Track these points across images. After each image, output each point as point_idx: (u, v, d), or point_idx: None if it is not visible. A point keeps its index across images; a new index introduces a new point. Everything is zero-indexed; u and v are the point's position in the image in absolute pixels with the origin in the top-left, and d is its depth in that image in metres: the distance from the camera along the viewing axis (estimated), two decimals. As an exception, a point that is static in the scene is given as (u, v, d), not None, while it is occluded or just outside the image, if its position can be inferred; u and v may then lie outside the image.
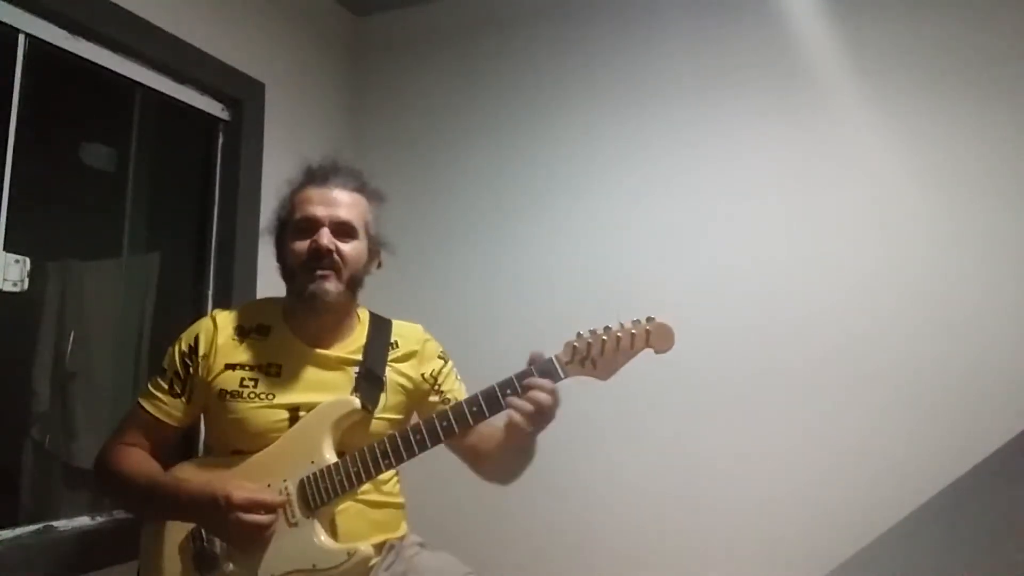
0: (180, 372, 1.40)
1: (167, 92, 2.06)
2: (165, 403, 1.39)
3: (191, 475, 1.35)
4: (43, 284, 1.93)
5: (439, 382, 1.51)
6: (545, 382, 1.23)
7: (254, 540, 1.26)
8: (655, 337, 1.22)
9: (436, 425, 1.28)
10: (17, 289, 1.64)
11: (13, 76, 1.67)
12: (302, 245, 1.38)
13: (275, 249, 1.47)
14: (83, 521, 1.77)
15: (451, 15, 2.64)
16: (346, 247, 1.39)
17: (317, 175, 1.44)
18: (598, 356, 1.23)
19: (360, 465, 1.28)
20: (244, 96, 2.24)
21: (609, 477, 2.19)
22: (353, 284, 1.43)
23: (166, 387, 1.39)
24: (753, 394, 2.07)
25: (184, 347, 1.41)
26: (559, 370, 1.25)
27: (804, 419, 2.01)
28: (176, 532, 1.33)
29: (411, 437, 1.28)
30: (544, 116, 2.44)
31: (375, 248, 1.47)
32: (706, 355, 2.12)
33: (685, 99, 2.26)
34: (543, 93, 2.46)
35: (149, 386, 1.41)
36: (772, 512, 2.01)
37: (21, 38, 1.69)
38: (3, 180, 1.62)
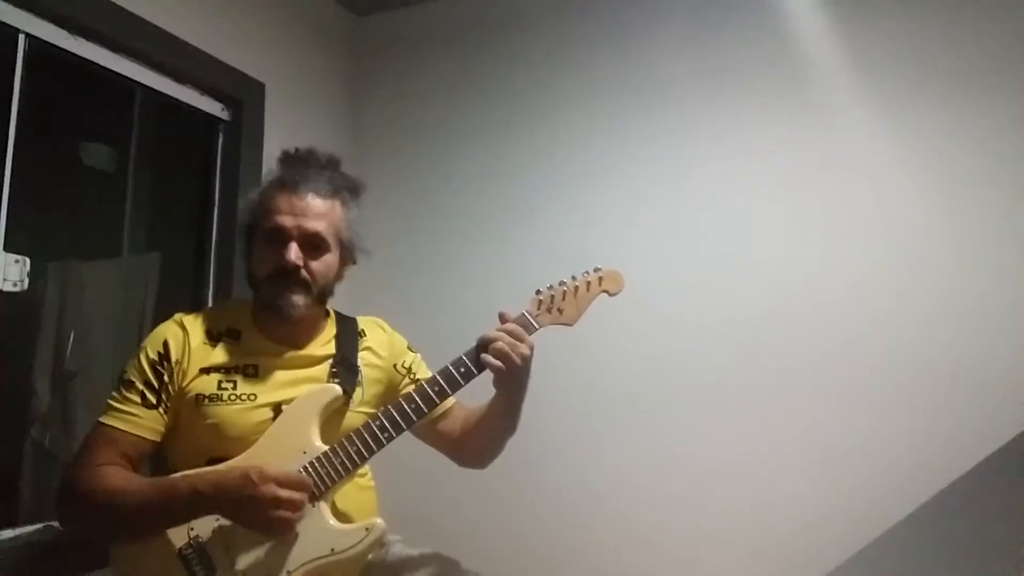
0: (152, 381, 1.28)
1: (167, 92, 2.06)
2: (139, 417, 1.26)
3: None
4: (43, 284, 1.94)
5: (413, 371, 1.51)
6: (507, 325, 1.32)
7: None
8: (607, 281, 1.38)
9: (428, 391, 1.30)
10: (17, 289, 1.63)
11: (13, 76, 1.67)
12: (269, 257, 1.33)
13: (244, 249, 1.41)
14: (83, 521, 1.76)
15: (451, 15, 2.64)
16: (315, 263, 1.34)
17: (288, 179, 1.36)
18: (561, 303, 1.36)
19: (360, 443, 1.27)
20: (244, 96, 2.24)
21: (608, 477, 2.19)
22: (322, 296, 1.40)
23: (137, 400, 1.27)
24: (753, 394, 2.06)
25: (152, 355, 1.30)
26: (532, 322, 1.35)
27: (804, 419, 2.01)
28: (159, 553, 1.21)
29: (406, 407, 1.30)
30: (544, 116, 2.44)
31: (347, 254, 1.42)
32: (705, 355, 2.12)
33: (684, 99, 2.26)
34: (543, 93, 2.45)
35: (112, 403, 1.27)
36: (772, 512, 2.00)
37: (21, 38, 1.69)
38: (3, 180, 1.62)
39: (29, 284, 1.66)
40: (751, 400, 2.06)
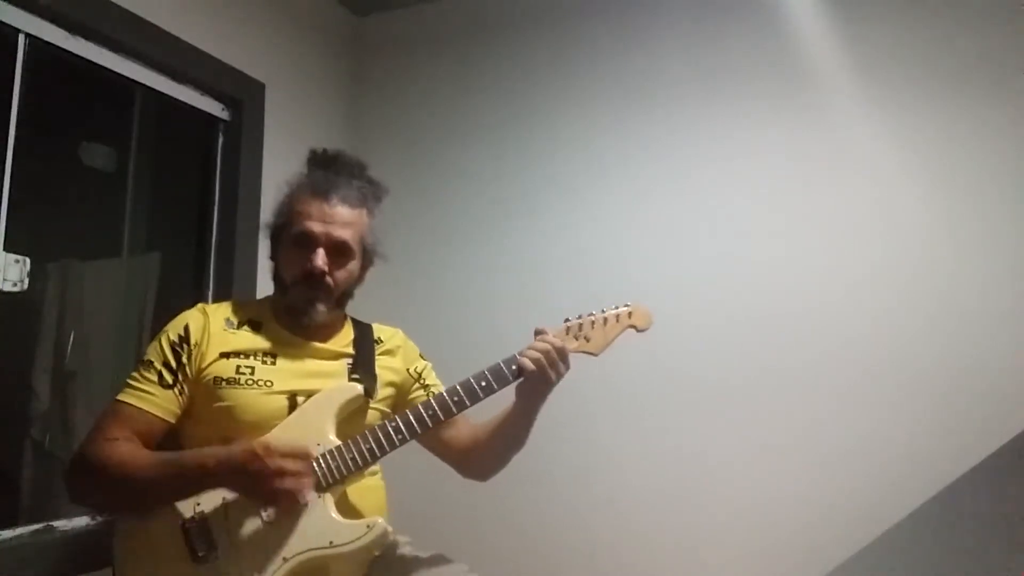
0: (171, 362, 1.31)
1: (167, 92, 2.06)
2: (155, 396, 1.29)
3: None
4: (43, 284, 1.94)
5: (423, 377, 1.55)
6: (553, 340, 1.34)
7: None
8: (636, 317, 1.40)
9: (447, 399, 1.34)
10: (17, 289, 1.64)
11: (13, 76, 1.67)
12: (297, 261, 1.37)
13: (270, 248, 1.47)
14: (83, 521, 1.76)
15: (451, 15, 2.64)
16: (340, 271, 1.38)
17: (319, 185, 1.40)
18: (589, 332, 1.39)
19: (373, 442, 1.30)
20: (244, 96, 2.24)
21: (609, 477, 2.19)
22: (343, 300, 1.45)
23: (154, 379, 1.30)
24: (753, 394, 2.06)
25: (173, 336, 1.34)
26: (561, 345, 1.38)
27: (804, 419, 2.01)
28: (163, 524, 1.25)
29: (423, 412, 1.33)
30: (544, 116, 2.44)
31: (368, 260, 1.46)
32: (706, 355, 2.12)
33: (685, 99, 2.26)
34: (542, 93, 2.45)
35: (131, 382, 1.31)
36: (772, 512, 2.00)
37: (21, 38, 1.69)
38: (3, 180, 1.62)
39: (29, 284, 1.66)
40: (751, 400, 2.06)
